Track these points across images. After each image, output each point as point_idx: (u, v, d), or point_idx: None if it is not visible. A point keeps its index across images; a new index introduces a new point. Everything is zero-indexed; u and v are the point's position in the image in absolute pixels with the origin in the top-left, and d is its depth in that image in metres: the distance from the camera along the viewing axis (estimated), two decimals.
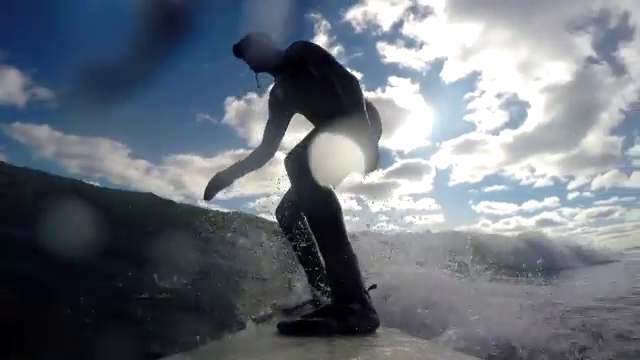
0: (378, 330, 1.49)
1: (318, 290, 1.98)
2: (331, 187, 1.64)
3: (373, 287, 1.87)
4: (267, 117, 2.25)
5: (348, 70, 1.81)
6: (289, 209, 2.08)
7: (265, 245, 2.92)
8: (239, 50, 2.05)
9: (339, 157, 1.73)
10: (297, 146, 1.68)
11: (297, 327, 1.48)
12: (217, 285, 2.31)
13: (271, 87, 2.21)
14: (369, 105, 1.98)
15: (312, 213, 1.65)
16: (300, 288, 2.34)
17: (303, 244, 2.06)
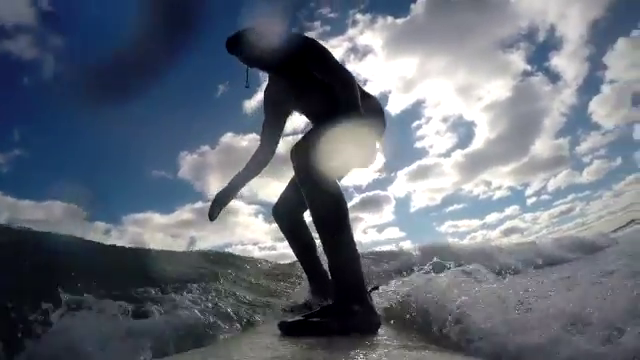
0: (379, 331, 1.49)
1: (318, 292, 1.98)
2: (339, 185, 1.62)
3: (375, 289, 1.87)
4: (262, 118, 2.16)
5: (345, 70, 1.77)
6: (289, 207, 2.04)
7: None
8: (232, 44, 1.92)
9: (343, 153, 1.71)
10: (304, 139, 1.63)
11: (298, 327, 1.48)
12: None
13: (265, 85, 2.16)
14: (372, 100, 1.98)
15: (318, 210, 1.60)
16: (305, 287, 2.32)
17: (303, 244, 2.04)
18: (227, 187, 2.09)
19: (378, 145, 1.81)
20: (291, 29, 2.03)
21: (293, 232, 2.07)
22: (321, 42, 1.87)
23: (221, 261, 3.37)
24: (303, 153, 1.57)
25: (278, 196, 2.15)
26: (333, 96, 1.71)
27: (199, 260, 3.32)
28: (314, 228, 1.67)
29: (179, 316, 1.70)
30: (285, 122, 2.18)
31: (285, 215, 2.07)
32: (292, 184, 2.03)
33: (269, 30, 1.94)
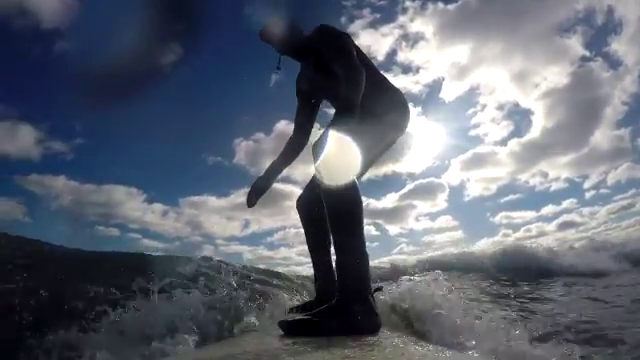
0: (379, 332, 1.46)
1: (322, 291, 1.95)
2: (357, 182, 1.61)
3: (379, 289, 1.84)
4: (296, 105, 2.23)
5: (358, 64, 1.74)
6: (311, 201, 2.00)
7: None
8: (264, 33, 2.02)
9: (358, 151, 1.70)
10: (322, 137, 1.62)
11: (298, 326, 1.46)
12: None
13: (297, 74, 2.21)
14: (395, 94, 1.96)
15: (333, 206, 1.59)
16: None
17: (317, 241, 2.02)
18: (265, 175, 2.15)
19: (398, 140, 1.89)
20: (326, 19, 2.03)
21: (310, 226, 2.07)
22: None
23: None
24: (324, 150, 1.56)
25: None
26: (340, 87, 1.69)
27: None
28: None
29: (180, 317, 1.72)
30: (316, 109, 2.22)
31: (306, 208, 2.07)
32: (316, 178, 2.03)
33: (295, 21, 2.02)
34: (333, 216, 1.59)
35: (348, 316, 1.43)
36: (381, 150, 1.99)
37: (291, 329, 1.47)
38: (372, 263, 1.60)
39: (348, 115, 1.56)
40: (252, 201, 2.10)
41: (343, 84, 1.66)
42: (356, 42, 1.96)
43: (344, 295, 1.50)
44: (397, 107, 1.94)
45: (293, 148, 2.20)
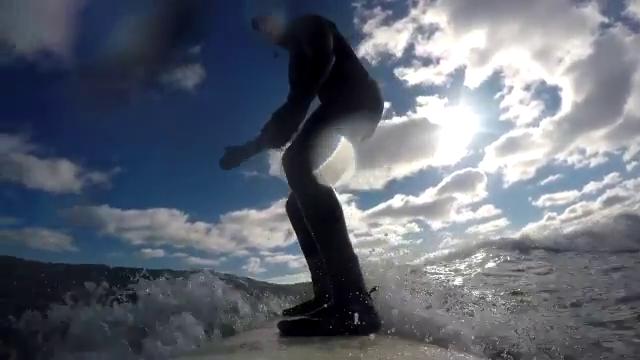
0: (379, 332, 1.49)
1: (320, 292, 1.98)
2: (330, 186, 1.62)
3: (374, 290, 1.87)
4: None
5: (323, 53, 1.74)
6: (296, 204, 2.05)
7: None
8: (254, 24, 2.08)
9: (333, 154, 1.71)
10: (293, 142, 1.65)
11: (298, 326, 1.48)
12: None
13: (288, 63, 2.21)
14: (368, 91, 1.94)
15: (309, 213, 1.62)
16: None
17: (309, 243, 2.04)
18: (245, 148, 2.13)
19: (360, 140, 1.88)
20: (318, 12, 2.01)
21: (301, 229, 2.07)
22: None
23: None
24: (290, 161, 1.60)
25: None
26: (332, 80, 1.72)
27: None
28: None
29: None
30: None
31: (295, 211, 2.06)
32: None
33: (284, 13, 2.05)
34: (312, 226, 1.61)
35: (346, 316, 1.44)
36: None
37: (290, 329, 1.48)
38: None
39: (294, 108, 1.62)
40: (228, 168, 2.10)
41: (307, 70, 1.69)
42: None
43: (341, 296, 1.51)
44: (371, 100, 1.93)
45: None
